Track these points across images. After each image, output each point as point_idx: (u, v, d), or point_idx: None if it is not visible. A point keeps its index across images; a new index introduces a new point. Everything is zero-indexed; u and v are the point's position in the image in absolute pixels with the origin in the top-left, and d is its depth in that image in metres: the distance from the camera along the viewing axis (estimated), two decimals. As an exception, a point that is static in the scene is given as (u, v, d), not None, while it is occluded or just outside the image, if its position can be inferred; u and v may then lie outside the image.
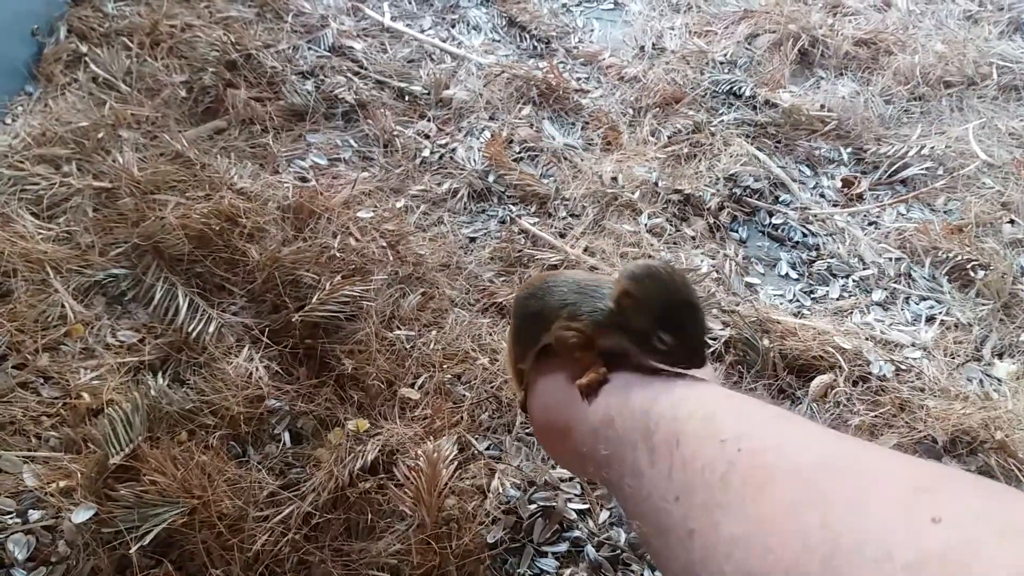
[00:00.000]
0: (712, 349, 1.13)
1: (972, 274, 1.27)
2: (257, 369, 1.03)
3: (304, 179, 1.31)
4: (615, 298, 0.58)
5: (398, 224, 1.23)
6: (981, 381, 1.11)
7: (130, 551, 0.86)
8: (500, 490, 0.97)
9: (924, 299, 1.26)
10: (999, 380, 1.11)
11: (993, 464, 1.01)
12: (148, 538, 0.86)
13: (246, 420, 0.99)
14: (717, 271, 1.25)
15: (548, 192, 1.34)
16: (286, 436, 1.00)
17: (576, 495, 1.00)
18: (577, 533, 0.97)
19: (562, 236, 1.28)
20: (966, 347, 1.17)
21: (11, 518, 0.89)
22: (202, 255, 1.14)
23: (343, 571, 0.88)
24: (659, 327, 0.56)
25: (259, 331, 1.08)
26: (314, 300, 1.08)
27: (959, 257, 1.29)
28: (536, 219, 1.31)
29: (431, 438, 0.99)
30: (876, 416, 1.05)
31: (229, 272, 1.13)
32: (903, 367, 1.12)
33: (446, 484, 0.95)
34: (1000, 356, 1.17)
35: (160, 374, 1.03)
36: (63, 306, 1.09)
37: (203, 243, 1.15)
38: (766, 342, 1.13)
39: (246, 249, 1.14)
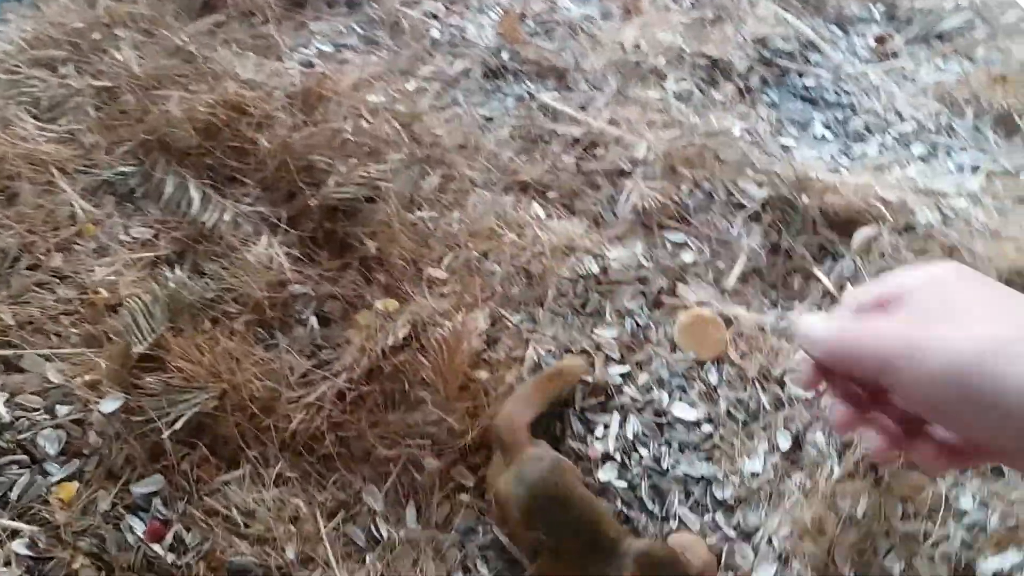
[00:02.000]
0: (749, 209, 1.08)
1: (1018, 121, 1.21)
2: (277, 255, 1.00)
3: (310, 65, 1.25)
4: None
5: (410, 106, 1.18)
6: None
7: (162, 437, 0.83)
8: (536, 359, 0.93)
9: (967, 150, 1.19)
10: (1052, 223, 1.06)
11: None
12: (179, 423, 0.84)
13: (270, 305, 0.96)
14: (750, 133, 1.19)
15: (567, 65, 1.28)
16: (313, 320, 0.97)
17: (616, 359, 0.96)
18: (619, 398, 0.93)
19: (583, 109, 1.22)
20: (1016, 192, 1.11)
21: (39, 414, 0.87)
22: (211, 147, 1.10)
23: (382, 443, 0.86)
24: None
25: (276, 218, 1.04)
26: (330, 183, 1.04)
27: (1003, 106, 1.23)
28: (555, 93, 1.25)
29: (462, 311, 0.95)
30: (924, 263, 0.99)
31: (240, 162, 1.09)
32: (950, 215, 1.06)
33: (478, 355, 0.92)
34: (1051, 199, 1.11)
35: (178, 267, 1.00)
36: (72, 206, 1.05)
37: (210, 134, 1.10)
38: (805, 199, 1.08)
39: (255, 138, 1.09)
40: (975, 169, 1.15)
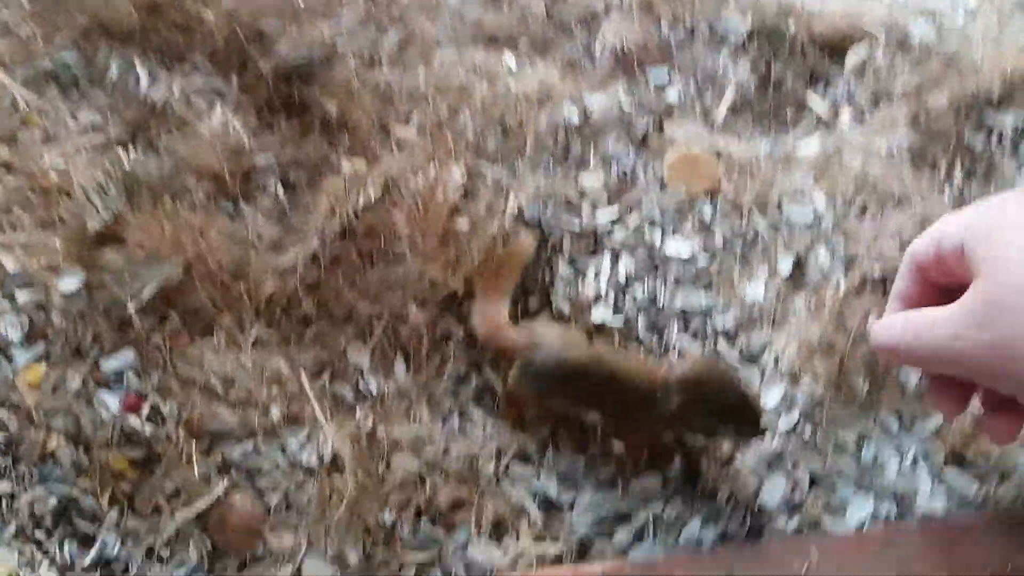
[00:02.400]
0: (733, 41, 1.02)
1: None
2: (234, 126, 0.93)
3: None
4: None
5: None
6: (1033, 30, 0.99)
7: (128, 311, 0.78)
8: (517, 209, 0.88)
9: (959, -34, 1.12)
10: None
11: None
12: (145, 294, 0.79)
13: (231, 176, 0.90)
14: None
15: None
16: (279, 188, 0.91)
17: (605, 204, 0.91)
18: (609, 241, 0.89)
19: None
20: (1015, 7, 1.04)
21: (-2, 304, 0.82)
22: (154, 26, 1.02)
23: (363, 301, 0.81)
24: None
25: (229, 89, 0.97)
26: (282, 47, 0.97)
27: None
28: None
29: (435, 165, 0.89)
30: (920, 77, 0.94)
31: (187, 38, 1.02)
32: (946, 29, 1.00)
33: (455, 207, 0.86)
34: (1050, 6, 1.04)
35: (131, 147, 0.94)
36: (14, 97, 0.99)
37: (153, 13, 1.03)
38: (791, 26, 1.01)
39: (200, 11, 1.02)
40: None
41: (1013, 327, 0.38)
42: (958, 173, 0.90)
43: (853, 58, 0.98)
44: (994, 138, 0.92)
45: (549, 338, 0.73)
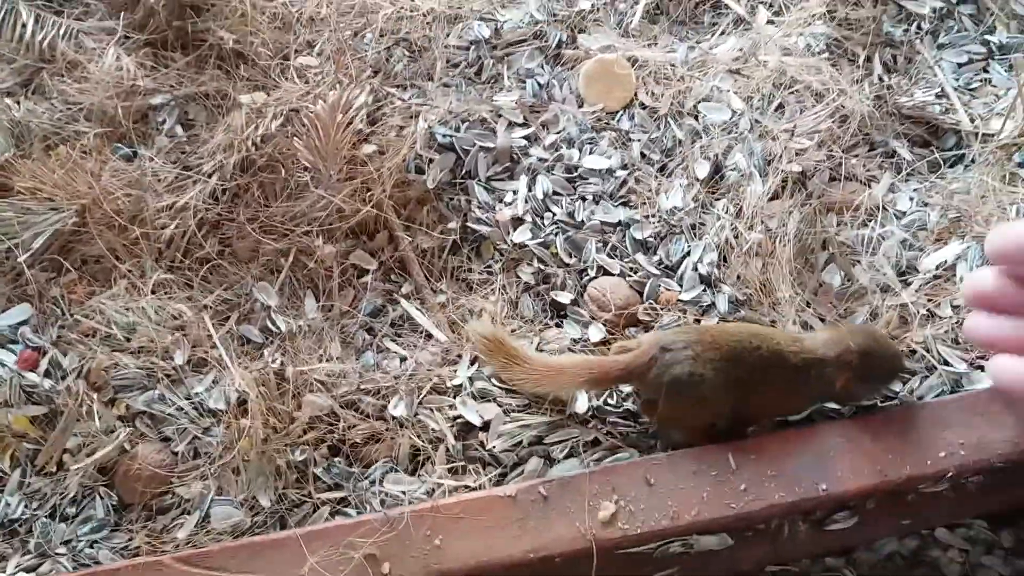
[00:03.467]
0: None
1: None
2: (127, 65, 0.88)
3: None
4: None
5: None
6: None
7: (19, 262, 0.75)
8: (428, 131, 0.84)
9: None
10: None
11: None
12: (37, 244, 0.75)
13: (127, 117, 0.86)
14: None
15: None
16: (177, 127, 0.87)
17: (519, 123, 0.88)
18: (526, 160, 0.86)
19: None
20: None
21: None
22: (38, -36, 0.96)
23: (268, 237, 0.78)
24: None
25: (120, 28, 0.92)
26: (173, -24, 0.92)
27: None
28: None
29: (337, 90, 0.85)
30: (839, -33, 0.91)
31: (73, -24, 0.96)
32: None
33: (361, 133, 0.83)
34: None
35: (22, 97, 0.89)
36: None
37: (36, -49, 0.97)
38: (704, -76, 0.97)
39: (85, -54, 0.96)
40: None
41: None
42: (877, 64, 0.88)
43: (769, -46, 0.95)
44: (913, 26, 0.89)
45: (667, 339, 0.65)
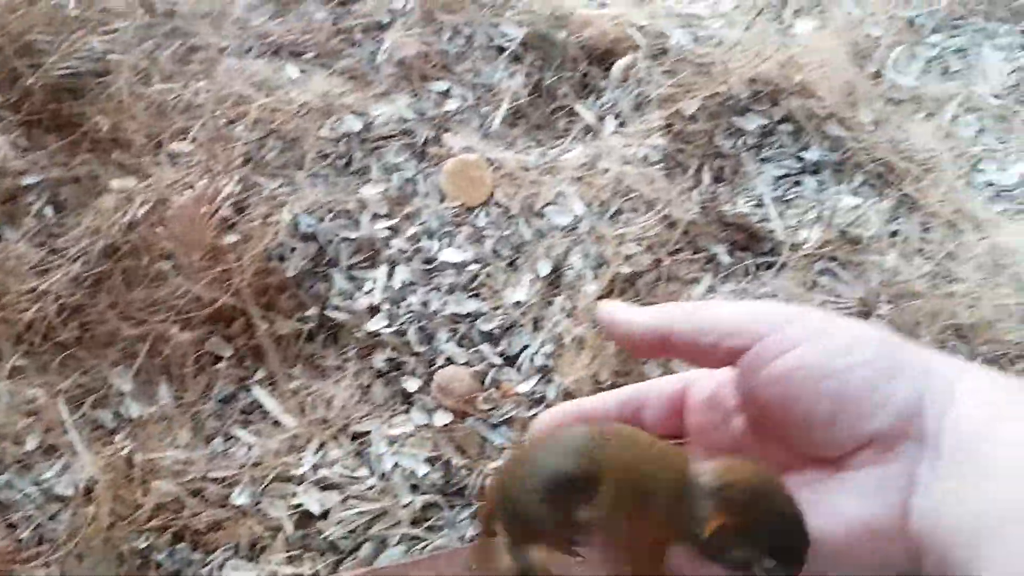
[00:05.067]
0: (509, 51, 1.06)
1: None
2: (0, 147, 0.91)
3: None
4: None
5: (143, -26, 1.08)
6: (782, 38, 1.08)
7: None
8: (292, 221, 0.90)
9: (725, -26, 1.20)
10: (798, 36, 1.09)
11: (795, 109, 0.99)
12: None
13: (-6, 198, 0.88)
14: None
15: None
16: (47, 208, 0.90)
17: (383, 214, 0.94)
18: (387, 251, 0.91)
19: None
20: (766, 12, 1.13)
21: None
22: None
23: (126, 323, 0.81)
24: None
25: (-5, 106, 0.94)
26: (51, 60, 0.95)
27: (756, -73, 1.23)
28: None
29: (205, 180, 0.90)
30: (676, 85, 1.01)
31: (-51, 52, 0.98)
32: (703, 35, 1.07)
33: (226, 221, 0.87)
34: (800, 15, 1.13)
35: None
36: None
37: (-89, 25, 0.99)
38: (563, 35, 1.06)
39: (-36, 23, 0.98)
40: (731, -8, 1.17)
41: None
42: (707, 174, 0.97)
43: (618, 68, 1.04)
44: (740, 140, 0.99)
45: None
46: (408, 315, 0.87)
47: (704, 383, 0.41)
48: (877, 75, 1.07)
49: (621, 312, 0.39)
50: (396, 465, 0.76)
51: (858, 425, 0.34)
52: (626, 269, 0.88)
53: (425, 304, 0.88)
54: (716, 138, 1.00)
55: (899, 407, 0.33)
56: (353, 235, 0.92)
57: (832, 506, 0.34)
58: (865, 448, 0.34)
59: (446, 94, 1.04)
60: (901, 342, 0.35)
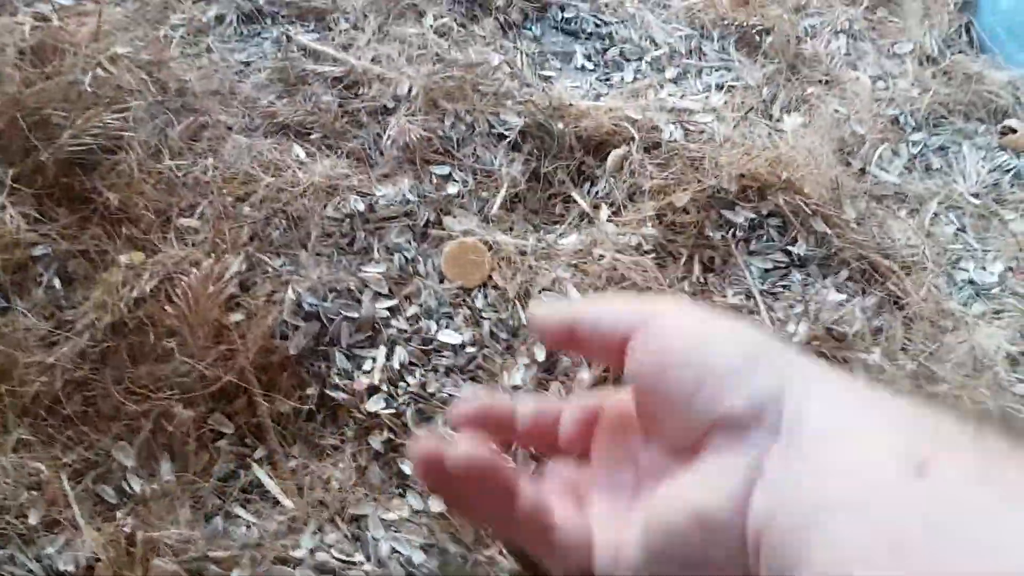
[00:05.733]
0: (509, 139, 1.10)
1: (758, 39, 1.28)
2: (12, 217, 0.93)
3: (46, 19, 1.17)
4: None
5: (157, 54, 1.12)
6: (770, 134, 1.13)
7: None
8: (295, 299, 0.92)
9: (715, 70, 1.26)
10: (785, 133, 1.14)
11: (782, 204, 1.03)
12: None
13: (4, 269, 0.90)
14: (510, 65, 1.21)
15: (325, 5, 1.25)
16: (55, 280, 0.92)
17: (384, 294, 0.96)
18: (386, 331, 0.94)
19: (344, 49, 1.20)
20: (755, 108, 1.18)
21: None
22: (-71, 109, 1.01)
23: (130, 399, 0.83)
24: None
25: (7, 178, 0.97)
26: (65, 136, 0.98)
27: (745, 25, 1.30)
28: (315, 34, 1.22)
29: (212, 258, 0.92)
30: (667, 177, 1.05)
31: (-35, 123, 1.01)
32: (693, 130, 1.12)
33: (231, 300, 0.90)
34: (788, 111, 1.19)
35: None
36: None
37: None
38: (560, 125, 1.11)
39: (-19, 96, 1.01)
40: (720, 87, 1.22)
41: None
42: (697, 264, 1.01)
43: (613, 158, 1.08)
44: (730, 232, 1.04)
45: None
46: (406, 396, 0.89)
47: (618, 399, 0.41)
48: (862, 172, 1.12)
49: (540, 308, 0.42)
50: (393, 551, 0.77)
51: (712, 405, 0.34)
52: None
53: (423, 385, 0.90)
54: (706, 229, 1.04)
55: (756, 393, 0.33)
56: (354, 314, 0.94)
57: (674, 494, 0.35)
58: (717, 432, 0.34)
59: (447, 178, 1.08)
60: (771, 338, 0.37)
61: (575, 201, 1.07)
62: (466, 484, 0.35)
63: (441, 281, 0.99)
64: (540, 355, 0.91)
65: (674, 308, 0.38)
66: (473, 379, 0.92)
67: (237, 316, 0.88)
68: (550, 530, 0.37)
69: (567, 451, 0.42)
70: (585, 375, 0.89)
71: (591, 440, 0.42)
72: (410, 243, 1.02)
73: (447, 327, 0.95)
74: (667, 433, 0.37)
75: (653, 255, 0.99)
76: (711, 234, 1.04)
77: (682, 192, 1.04)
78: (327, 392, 0.89)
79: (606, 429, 0.41)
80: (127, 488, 0.79)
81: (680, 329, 0.37)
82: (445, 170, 1.08)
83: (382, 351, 0.92)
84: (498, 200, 1.06)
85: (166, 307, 0.86)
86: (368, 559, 0.77)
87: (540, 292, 0.96)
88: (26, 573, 0.73)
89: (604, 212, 1.05)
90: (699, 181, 1.05)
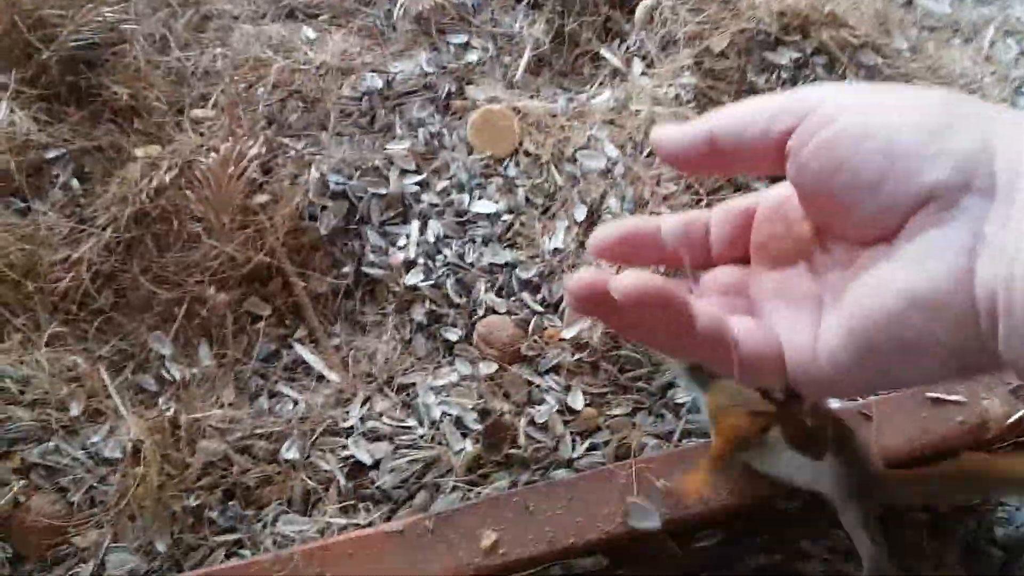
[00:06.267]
0: (529, 2, 1.04)
1: None
2: (19, 119, 0.90)
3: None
4: None
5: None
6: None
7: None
8: (320, 179, 0.88)
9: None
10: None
11: (827, 40, 0.96)
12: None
13: (19, 172, 0.87)
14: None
15: None
16: (72, 180, 0.88)
17: (411, 170, 0.92)
18: (417, 206, 0.90)
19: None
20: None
21: None
22: (-74, 19, 0.97)
23: (162, 287, 0.80)
24: None
25: (11, 82, 0.93)
26: (65, 33, 0.94)
27: None
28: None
29: (230, 142, 0.88)
30: (702, 22, 0.98)
31: (-37, 31, 0.97)
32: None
33: (254, 183, 0.86)
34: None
35: (-92, 152, 0.89)
36: None
37: (-78, 6, 0.97)
38: (582, -20, 1.04)
39: (-25, 1, 0.97)
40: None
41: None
42: (741, 112, 0.95)
43: (642, 9, 1.02)
44: (774, 75, 0.97)
45: None
46: (444, 268, 0.86)
47: (770, 196, 0.39)
48: (909, 3, 1.05)
49: (666, 131, 0.38)
50: (444, 414, 0.75)
51: (907, 185, 0.30)
52: (665, 209, 0.85)
53: (461, 256, 0.86)
54: (749, 74, 0.98)
55: (959, 156, 0.30)
56: (383, 191, 0.90)
57: (879, 282, 0.32)
58: (920, 210, 0.30)
59: (466, 46, 1.02)
60: (963, 96, 0.33)
61: (604, 58, 1.01)
62: (637, 311, 0.33)
63: (470, 153, 0.94)
64: (579, 215, 0.87)
65: (833, 91, 0.34)
66: (512, 246, 0.87)
67: (262, 198, 0.85)
68: (732, 346, 0.34)
69: (722, 260, 0.40)
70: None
71: (747, 245, 0.39)
72: (433, 116, 0.97)
73: (480, 197, 0.91)
74: (852, 226, 0.34)
75: (693, 104, 0.93)
76: (754, 78, 0.98)
77: (720, 36, 0.97)
78: (363, 269, 0.86)
79: (763, 231, 0.39)
80: (167, 376, 0.77)
81: (850, 111, 0.32)
82: (462, 38, 1.02)
83: (415, 226, 0.89)
84: (522, 64, 1.00)
85: (188, 193, 0.82)
86: (420, 423, 0.74)
87: (575, 153, 0.91)
88: (72, 462, 0.71)
89: (637, 66, 0.99)
90: (736, 23, 0.98)
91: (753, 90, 0.98)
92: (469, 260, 0.86)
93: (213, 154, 0.84)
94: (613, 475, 0.67)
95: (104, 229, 0.82)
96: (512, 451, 0.73)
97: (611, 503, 0.65)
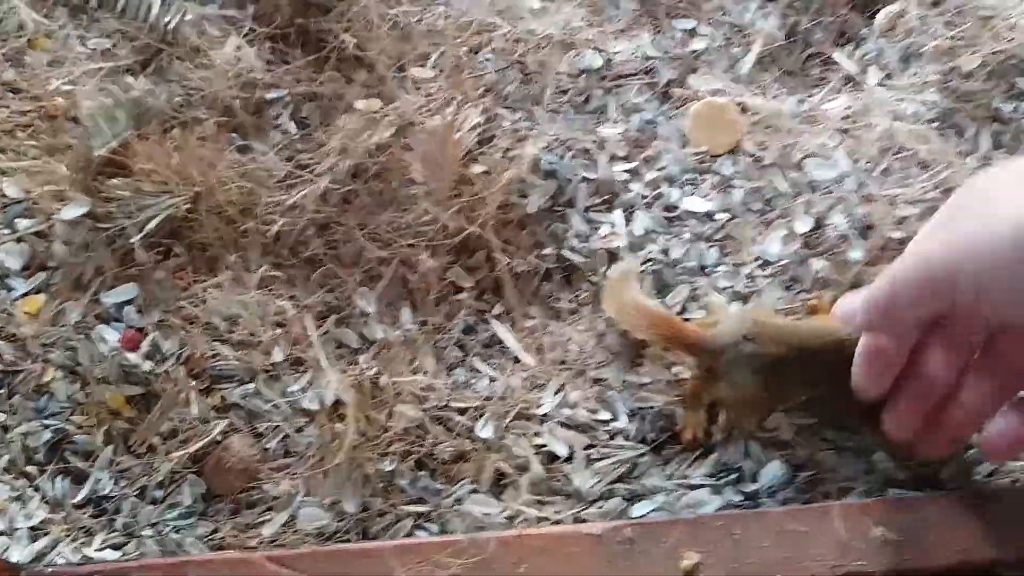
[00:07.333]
0: (762, -8, 0.98)
1: None
2: (247, 56, 0.91)
3: None
4: None
5: None
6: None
7: (132, 242, 0.77)
8: (533, 155, 0.86)
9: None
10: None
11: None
12: (151, 225, 0.77)
13: (243, 109, 0.88)
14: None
15: None
16: (291, 124, 0.89)
17: (621, 156, 0.89)
18: (625, 195, 0.87)
19: None
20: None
21: (-2, 231, 0.80)
22: (168, -52, 0.99)
23: (373, 243, 0.80)
24: None
25: (243, 18, 0.94)
26: (300, -26, 0.94)
27: None
28: None
29: (452, 107, 0.87)
30: (956, 37, 0.91)
31: (200, -37, 0.99)
32: (986, -13, 0.96)
33: (471, 152, 0.84)
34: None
35: (141, 75, 0.92)
36: (22, 19, 0.96)
37: (167, -65, 1.00)
38: (824, -23, 0.97)
39: (215, -65, 0.99)
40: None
41: (974, 224, 0.44)
42: (985, 140, 0.87)
43: (884, 15, 0.95)
44: (1022, 105, 0.89)
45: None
46: (647, 263, 0.82)
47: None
48: None
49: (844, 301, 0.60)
50: (639, 409, 0.72)
51: None
52: (897, 234, 0.79)
53: (666, 251, 0.83)
54: (995, 100, 0.90)
55: None
56: (592, 176, 0.87)
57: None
58: None
59: (692, 32, 0.97)
60: None
61: (836, 63, 0.95)
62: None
63: (684, 145, 0.90)
64: (802, 227, 0.82)
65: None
66: (721, 249, 0.83)
67: (478, 169, 0.83)
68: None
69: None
70: (856, 253, 0.79)
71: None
72: (650, 103, 0.93)
73: (692, 194, 0.87)
74: None
75: (936, 124, 0.86)
76: (1000, 106, 0.90)
77: (972, 55, 0.89)
78: (563, 253, 0.83)
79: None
80: (368, 335, 0.76)
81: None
82: (689, 24, 0.98)
83: (619, 215, 0.85)
84: (751, 57, 0.95)
85: (407, 155, 0.81)
86: (615, 419, 0.71)
87: (803, 160, 0.86)
88: (272, 408, 0.72)
89: (873, 76, 0.92)
90: (991, 43, 0.90)
91: (999, 119, 0.90)
92: (674, 256, 0.83)
93: (438, 117, 0.83)
94: (827, 513, 0.62)
95: (322, 177, 0.82)
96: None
97: (823, 544, 0.61)
